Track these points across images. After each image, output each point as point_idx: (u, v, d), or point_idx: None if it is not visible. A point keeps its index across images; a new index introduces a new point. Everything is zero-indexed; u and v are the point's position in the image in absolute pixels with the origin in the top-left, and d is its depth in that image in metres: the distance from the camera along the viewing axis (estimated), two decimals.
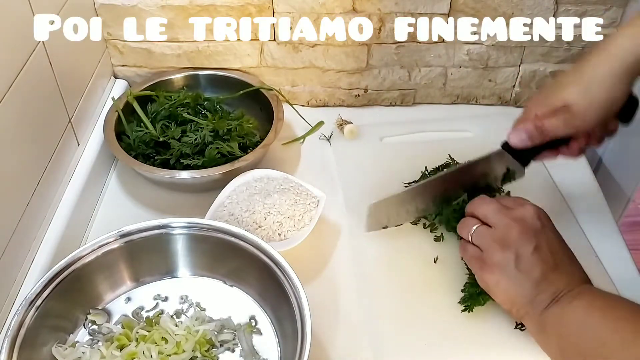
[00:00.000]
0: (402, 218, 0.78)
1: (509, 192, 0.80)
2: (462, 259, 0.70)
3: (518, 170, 0.72)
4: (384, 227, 0.78)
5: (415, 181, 0.82)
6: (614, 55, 0.62)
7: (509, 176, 0.73)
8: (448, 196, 0.75)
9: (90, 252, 0.66)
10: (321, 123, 0.95)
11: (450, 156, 0.86)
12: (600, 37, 0.92)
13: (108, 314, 0.68)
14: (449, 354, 0.67)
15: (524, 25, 0.92)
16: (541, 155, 0.70)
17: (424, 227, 0.79)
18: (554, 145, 0.69)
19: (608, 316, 0.55)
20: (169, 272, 0.71)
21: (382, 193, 0.82)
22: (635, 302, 0.56)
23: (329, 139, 0.94)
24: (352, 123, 0.94)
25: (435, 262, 0.75)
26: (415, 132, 0.95)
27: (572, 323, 0.57)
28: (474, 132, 0.95)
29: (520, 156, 0.70)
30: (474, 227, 0.65)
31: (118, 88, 0.96)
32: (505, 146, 0.70)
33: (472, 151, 0.86)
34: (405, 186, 0.84)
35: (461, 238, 0.69)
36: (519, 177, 0.73)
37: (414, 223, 0.79)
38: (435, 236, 0.78)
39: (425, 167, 0.86)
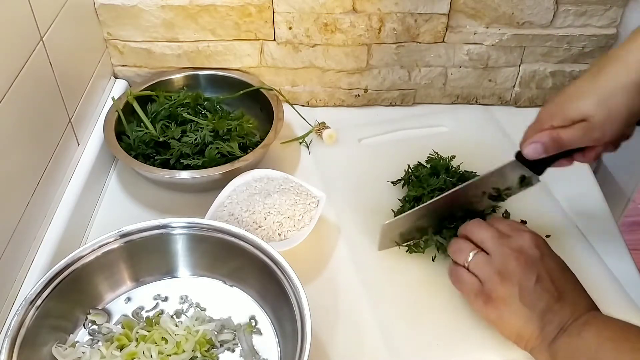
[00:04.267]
0: (414, 235, 0.76)
1: (507, 214, 0.80)
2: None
3: (533, 177, 0.72)
4: (398, 245, 0.76)
5: (417, 197, 0.80)
6: (631, 65, 0.61)
7: (525, 183, 0.73)
8: (461, 209, 0.74)
9: (90, 252, 0.66)
10: (322, 124, 0.95)
11: (434, 151, 0.87)
12: (600, 37, 0.93)
13: (108, 314, 0.68)
14: (453, 352, 0.67)
15: (524, 25, 0.92)
16: (556, 162, 0.69)
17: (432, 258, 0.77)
18: (568, 153, 0.68)
19: (619, 347, 0.54)
20: (169, 272, 0.71)
21: (369, 195, 0.83)
22: None
23: (307, 146, 0.93)
24: (330, 128, 0.94)
25: (433, 260, 0.75)
26: (391, 132, 0.95)
27: (583, 355, 0.55)
28: (449, 127, 0.96)
29: (534, 165, 0.69)
30: (472, 254, 0.63)
31: (118, 88, 0.96)
32: (519, 156, 0.69)
33: (448, 145, 0.88)
34: (393, 184, 0.85)
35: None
36: (534, 183, 0.73)
37: (424, 242, 0.76)
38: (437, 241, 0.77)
39: (408, 165, 0.86)
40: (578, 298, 0.60)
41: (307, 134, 0.94)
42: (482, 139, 0.93)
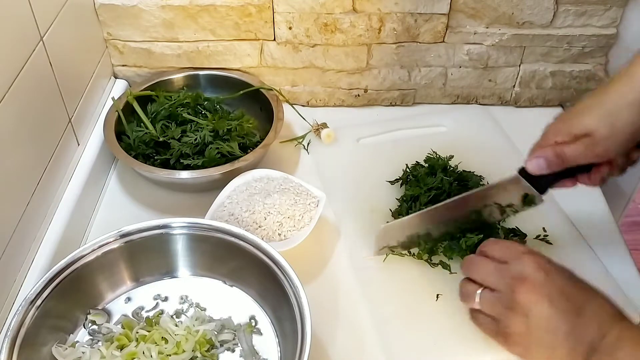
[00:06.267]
0: (410, 243, 0.75)
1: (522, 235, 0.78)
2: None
3: (536, 196, 0.70)
4: (392, 251, 0.76)
5: (421, 204, 0.79)
6: (637, 82, 0.60)
7: (527, 202, 0.71)
8: (459, 221, 0.74)
9: (90, 252, 0.66)
10: (322, 124, 0.95)
11: (432, 150, 0.87)
12: (600, 37, 0.93)
13: (108, 314, 0.68)
14: (451, 353, 0.67)
15: (524, 25, 0.92)
16: (559, 182, 0.68)
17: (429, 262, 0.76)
18: (573, 173, 0.67)
19: None
20: (169, 272, 0.71)
21: (367, 195, 0.83)
22: None
23: (306, 147, 0.93)
24: (328, 127, 0.94)
25: (430, 259, 0.75)
26: (389, 131, 0.95)
27: None
28: (448, 127, 0.96)
29: (538, 182, 0.68)
30: (478, 295, 0.61)
31: (118, 88, 0.96)
32: (522, 172, 0.68)
33: (447, 145, 0.89)
34: (391, 183, 0.85)
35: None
36: (538, 202, 0.72)
37: (416, 253, 0.76)
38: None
39: (407, 165, 0.86)
40: (598, 309, 0.56)
41: (305, 135, 0.94)
42: (480, 138, 0.93)
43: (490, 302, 0.60)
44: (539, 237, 0.77)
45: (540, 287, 0.57)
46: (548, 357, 0.57)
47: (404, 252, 0.76)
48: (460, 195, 0.72)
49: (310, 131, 0.94)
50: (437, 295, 0.71)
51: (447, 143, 0.90)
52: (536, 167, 0.66)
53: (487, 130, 0.96)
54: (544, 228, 0.78)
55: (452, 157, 0.85)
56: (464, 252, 0.73)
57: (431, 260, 0.75)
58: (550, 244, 0.77)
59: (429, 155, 0.87)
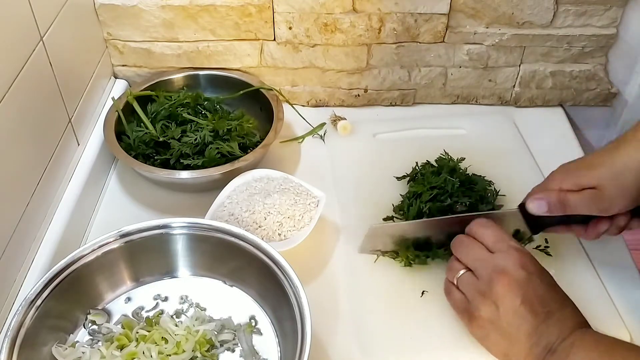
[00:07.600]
0: (396, 246, 0.76)
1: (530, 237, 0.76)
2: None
3: (527, 234, 0.73)
4: (377, 251, 0.76)
5: (420, 214, 0.78)
6: None
7: (517, 237, 0.73)
8: (450, 236, 0.73)
9: (90, 252, 0.66)
10: (322, 125, 0.95)
11: (445, 151, 0.87)
12: (600, 37, 0.93)
13: (108, 314, 0.68)
14: (454, 352, 0.67)
15: (524, 25, 0.92)
16: (554, 228, 0.70)
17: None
18: (568, 222, 0.69)
19: None
20: (169, 272, 0.71)
21: (374, 189, 0.84)
22: (633, 345, 0.56)
23: (322, 137, 0.94)
24: (345, 119, 0.94)
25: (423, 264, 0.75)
26: (409, 129, 0.95)
27: None
28: (468, 130, 0.95)
29: (533, 222, 0.70)
30: (460, 272, 0.64)
31: (118, 88, 0.96)
32: (521, 208, 0.70)
33: (465, 148, 0.88)
34: (398, 179, 0.85)
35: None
36: (525, 241, 0.74)
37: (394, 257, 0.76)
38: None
39: (416, 162, 0.86)
40: (565, 316, 0.59)
41: (308, 134, 0.94)
42: (499, 145, 0.92)
43: (468, 284, 0.63)
44: (539, 248, 0.76)
45: (517, 284, 0.60)
46: (504, 349, 0.60)
47: (393, 255, 0.76)
48: (456, 215, 0.73)
49: (318, 127, 0.94)
50: (423, 291, 0.72)
51: (464, 146, 0.90)
52: (537, 208, 0.68)
53: (509, 138, 0.94)
54: (546, 239, 0.77)
55: (463, 159, 0.85)
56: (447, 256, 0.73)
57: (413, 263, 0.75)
58: (550, 256, 0.76)
59: (441, 155, 0.87)
